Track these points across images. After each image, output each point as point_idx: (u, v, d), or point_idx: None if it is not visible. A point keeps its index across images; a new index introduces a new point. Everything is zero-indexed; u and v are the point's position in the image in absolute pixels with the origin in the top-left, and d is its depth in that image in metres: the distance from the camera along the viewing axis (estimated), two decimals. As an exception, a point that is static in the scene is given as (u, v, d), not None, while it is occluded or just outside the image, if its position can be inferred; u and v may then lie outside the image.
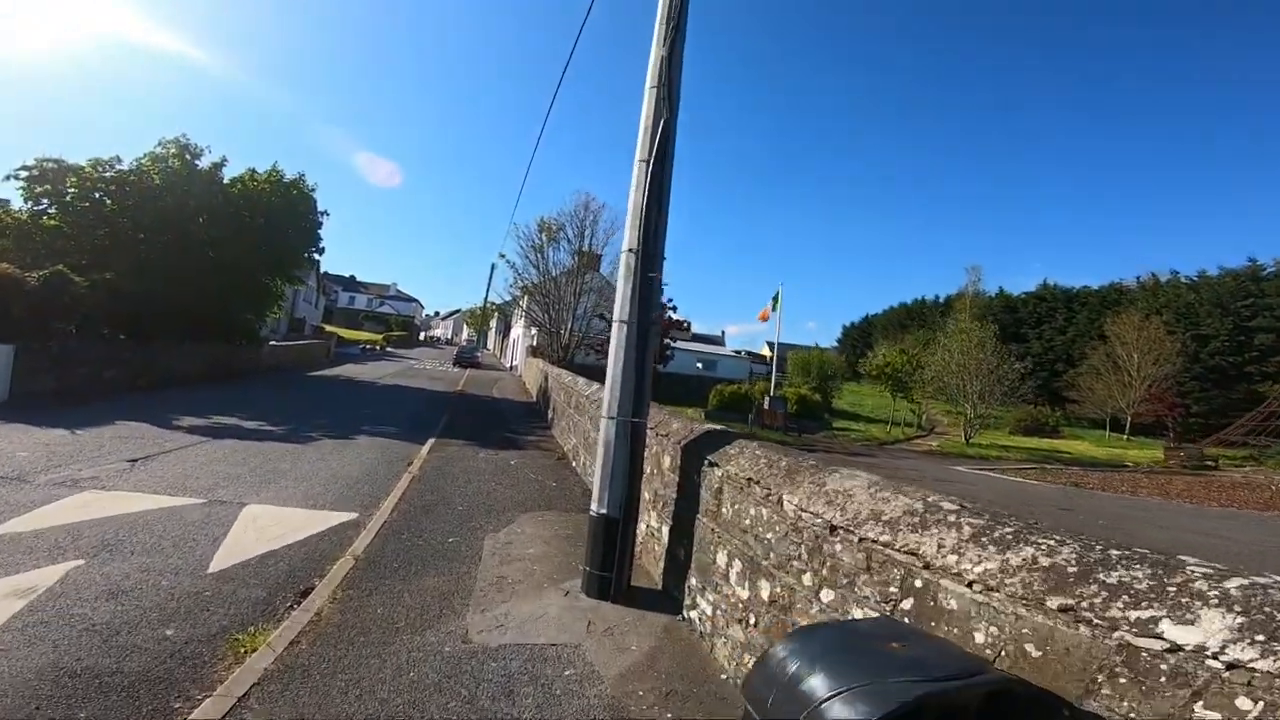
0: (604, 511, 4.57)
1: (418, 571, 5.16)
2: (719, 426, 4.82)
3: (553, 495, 8.10)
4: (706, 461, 4.23)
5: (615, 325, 4.73)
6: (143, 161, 18.67)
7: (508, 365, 47.43)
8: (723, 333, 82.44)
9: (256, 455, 9.33)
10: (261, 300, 23.12)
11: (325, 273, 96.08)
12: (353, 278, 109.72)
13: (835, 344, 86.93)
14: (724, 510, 3.92)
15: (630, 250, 4.69)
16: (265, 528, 6.18)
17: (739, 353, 58.52)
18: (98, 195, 17.60)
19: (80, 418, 10.87)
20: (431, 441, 11.40)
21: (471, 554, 5.68)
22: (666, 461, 5.08)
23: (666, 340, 24.88)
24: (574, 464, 10.02)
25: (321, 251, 24.99)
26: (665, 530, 4.96)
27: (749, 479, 3.64)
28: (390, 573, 5.10)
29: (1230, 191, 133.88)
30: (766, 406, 27.65)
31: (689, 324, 26.15)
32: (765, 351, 77.22)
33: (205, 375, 19.27)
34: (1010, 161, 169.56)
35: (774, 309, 28.76)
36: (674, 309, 25.57)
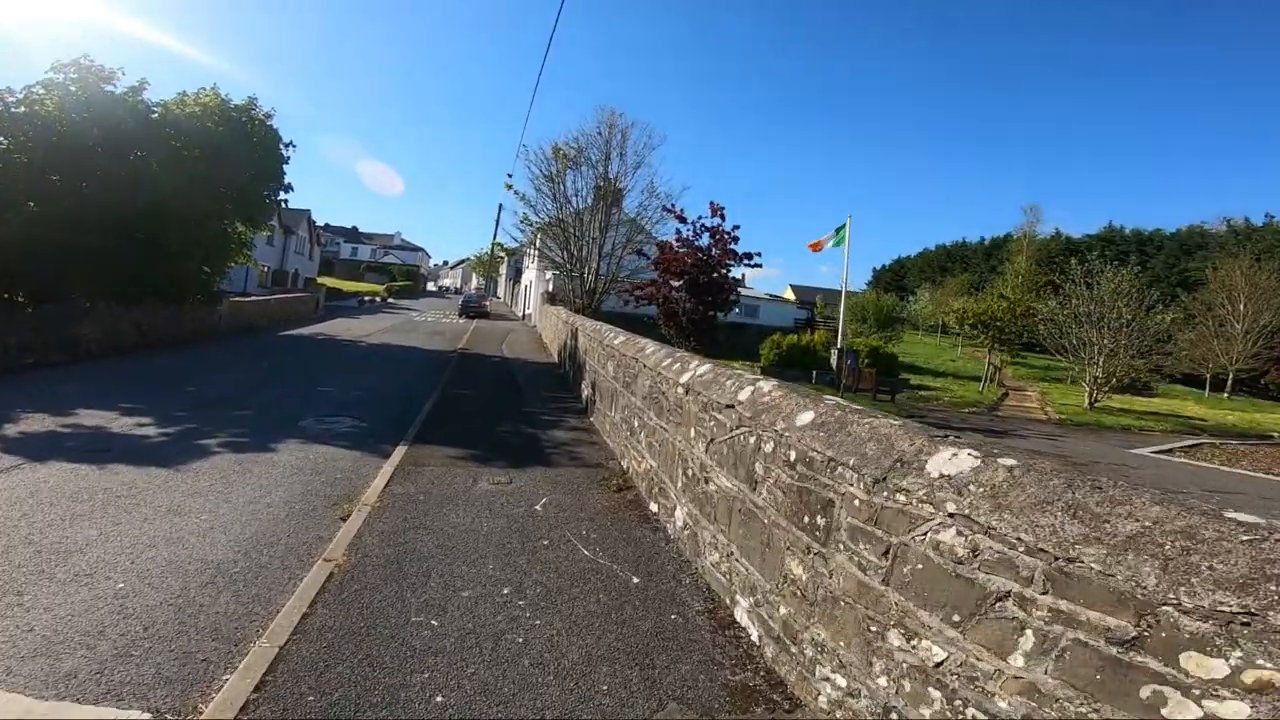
0: None
1: None
2: None
3: (645, 629, 3.54)
4: None
5: None
6: (33, 89, 14.29)
7: (520, 314, 42.78)
8: (742, 275, 76.16)
9: (60, 503, 4.94)
10: (217, 249, 18.77)
11: (326, 224, 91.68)
12: (355, 229, 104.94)
13: (866, 286, 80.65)
14: None
15: None
16: None
17: (772, 296, 52.09)
18: (-9, 133, 13.53)
19: None
20: (401, 452, 6.85)
21: None
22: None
23: (733, 279, 17.33)
24: (652, 506, 5.48)
25: (288, 189, 20.44)
26: None
27: None
28: None
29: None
30: (836, 362, 22.85)
31: (759, 256, 17.39)
32: (789, 295, 71.60)
33: (138, 343, 14.91)
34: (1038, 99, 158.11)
35: (835, 243, 23.55)
36: (736, 233, 16.77)
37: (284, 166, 19.77)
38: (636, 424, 6.32)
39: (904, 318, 47.47)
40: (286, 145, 19.53)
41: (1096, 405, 23.15)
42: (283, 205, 24.71)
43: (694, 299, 15.44)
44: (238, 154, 17.39)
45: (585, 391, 10.30)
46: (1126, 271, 24.43)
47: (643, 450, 5.98)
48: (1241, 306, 34.33)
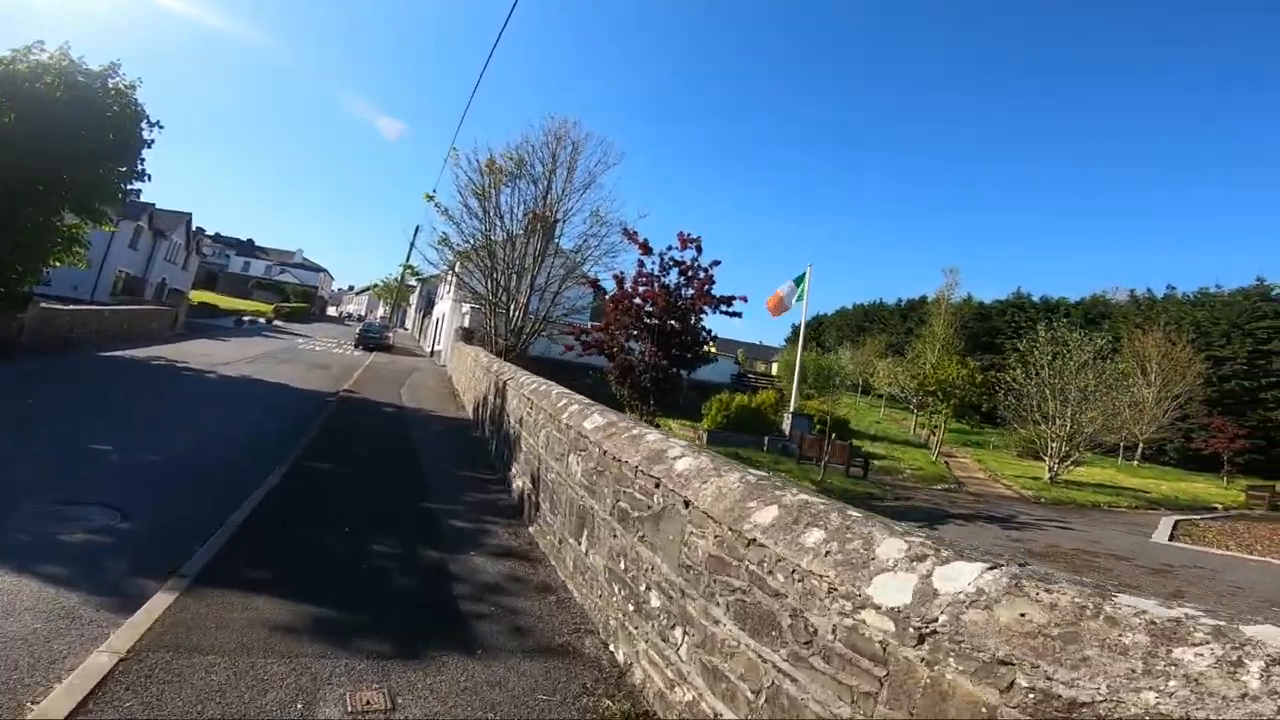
0: None
1: None
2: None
3: None
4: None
5: None
6: None
7: (428, 350, 38.20)
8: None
9: None
10: (35, 241, 14.80)
11: (216, 233, 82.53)
12: (250, 241, 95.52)
13: (785, 343, 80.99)
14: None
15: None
16: None
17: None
18: None
19: None
20: (165, 605, 3.26)
21: None
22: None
23: (705, 328, 13.78)
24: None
25: (142, 177, 16.33)
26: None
27: None
28: None
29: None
30: (789, 427, 20.43)
31: (741, 301, 13.49)
32: (710, 349, 70.08)
33: None
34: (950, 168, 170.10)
35: (798, 297, 21.44)
36: (713, 271, 13.15)
37: (143, 151, 15.89)
38: (656, 602, 3.17)
39: (839, 379, 46.47)
40: (152, 125, 15.77)
41: (1058, 480, 22.03)
42: (136, 199, 20.25)
43: (659, 351, 12.34)
44: (81, 128, 13.72)
45: (518, 482, 6.93)
46: (1100, 340, 23.90)
47: (681, 664, 2.81)
48: (1153, 377, 35.44)
